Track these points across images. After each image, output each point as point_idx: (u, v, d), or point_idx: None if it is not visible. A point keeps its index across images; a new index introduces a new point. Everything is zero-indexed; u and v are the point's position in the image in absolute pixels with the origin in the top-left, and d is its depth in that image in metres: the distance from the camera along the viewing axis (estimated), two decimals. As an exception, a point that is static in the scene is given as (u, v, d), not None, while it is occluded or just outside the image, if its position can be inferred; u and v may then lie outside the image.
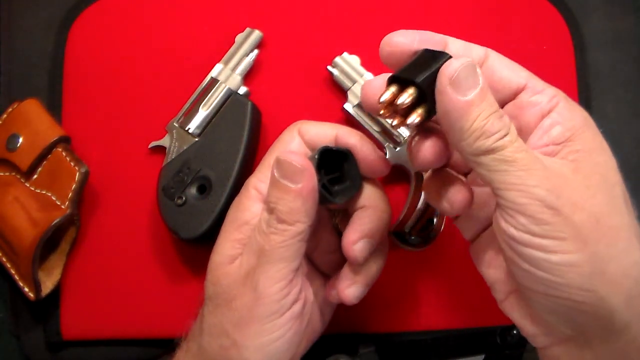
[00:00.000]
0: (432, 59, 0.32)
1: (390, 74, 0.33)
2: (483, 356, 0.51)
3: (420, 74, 0.31)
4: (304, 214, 0.37)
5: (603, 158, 0.34)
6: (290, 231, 0.37)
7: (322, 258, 0.43)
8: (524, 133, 0.34)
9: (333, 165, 0.39)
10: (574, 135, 0.33)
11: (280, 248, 0.37)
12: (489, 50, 0.35)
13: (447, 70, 0.31)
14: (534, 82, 0.35)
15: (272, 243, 0.37)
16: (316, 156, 0.38)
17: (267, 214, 0.38)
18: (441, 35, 0.35)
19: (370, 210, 0.39)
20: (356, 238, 0.39)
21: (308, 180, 0.37)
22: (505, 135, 0.31)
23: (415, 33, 0.34)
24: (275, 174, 0.37)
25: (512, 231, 0.31)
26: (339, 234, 0.42)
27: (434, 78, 0.31)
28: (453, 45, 0.35)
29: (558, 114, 0.34)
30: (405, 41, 0.34)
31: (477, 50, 0.35)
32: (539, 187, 0.30)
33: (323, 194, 0.38)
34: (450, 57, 0.32)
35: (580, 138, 0.33)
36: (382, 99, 0.32)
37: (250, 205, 0.40)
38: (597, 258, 0.31)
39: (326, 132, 0.40)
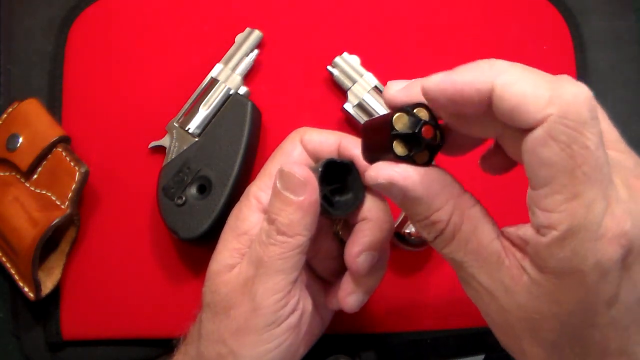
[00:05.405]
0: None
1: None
2: (483, 356, 0.50)
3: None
4: (304, 227, 0.37)
5: None
6: (290, 243, 0.36)
7: (322, 264, 0.43)
8: None
9: (336, 175, 0.39)
10: None
11: (278, 260, 0.36)
12: None
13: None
14: None
15: (270, 254, 0.37)
16: (320, 169, 0.38)
17: (267, 225, 0.37)
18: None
19: (371, 222, 0.39)
20: (359, 251, 0.38)
21: (310, 194, 0.36)
22: None
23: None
24: (278, 185, 0.37)
25: None
26: (340, 241, 0.42)
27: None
28: None
29: None
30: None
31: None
32: None
33: (324, 206, 0.37)
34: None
35: None
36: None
37: (249, 215, 0.39)
38: None
39: (329, 141, 0.40)
